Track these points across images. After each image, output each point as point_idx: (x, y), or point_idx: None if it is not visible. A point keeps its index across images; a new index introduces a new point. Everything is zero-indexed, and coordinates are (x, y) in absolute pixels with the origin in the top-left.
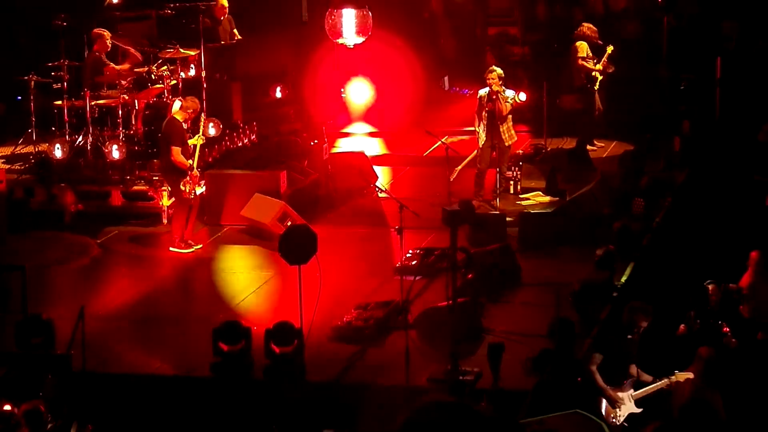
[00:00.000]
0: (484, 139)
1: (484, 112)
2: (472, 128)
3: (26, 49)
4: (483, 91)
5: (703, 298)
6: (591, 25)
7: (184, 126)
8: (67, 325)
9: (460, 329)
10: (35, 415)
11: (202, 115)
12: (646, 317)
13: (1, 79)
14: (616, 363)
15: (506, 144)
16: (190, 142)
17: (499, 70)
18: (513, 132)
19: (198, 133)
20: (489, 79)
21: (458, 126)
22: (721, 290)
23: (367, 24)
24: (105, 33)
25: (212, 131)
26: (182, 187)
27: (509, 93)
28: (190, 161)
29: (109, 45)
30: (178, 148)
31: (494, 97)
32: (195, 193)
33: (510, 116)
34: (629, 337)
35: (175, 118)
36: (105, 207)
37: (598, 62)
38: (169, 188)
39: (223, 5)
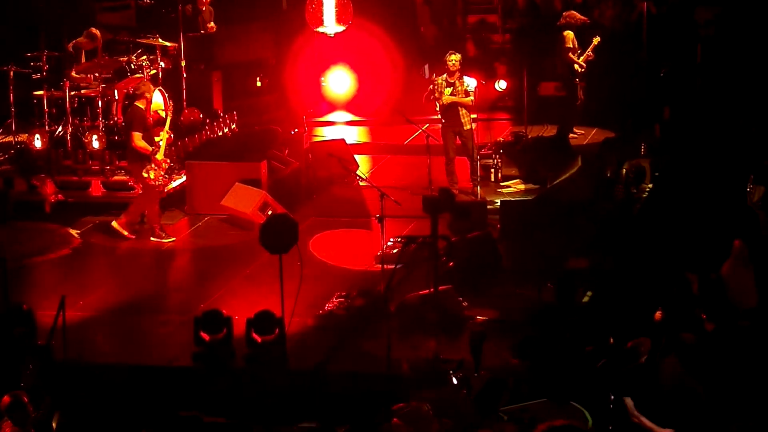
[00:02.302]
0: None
1: (443, 98)
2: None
3: (5, 40)
4: (441, 78)
5: (684, 286)
6: (572, 12)
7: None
8: (48, 316)
9: (441, 317)
10: (18, 406)
11: (169, 110)
12: (647, 351)
13: None
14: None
15: (465, 128)
16: (157, 138)
17: (458, 55)
18: (470, 117)
19: (164, 127)
20: (448, 61)
21: (438, 114)
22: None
23: (348, 12)
24: (92, 31)
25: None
26: (145, 174)
27: (466, 80)
28: (153, 148)
29: (93, 45)
30: (138, 133)
31: (452, 80)
32: (160, 180)
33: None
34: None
35: (137, 105)
36: (85, 197)
37: (582, 52)
38: (135, 177)
39: None
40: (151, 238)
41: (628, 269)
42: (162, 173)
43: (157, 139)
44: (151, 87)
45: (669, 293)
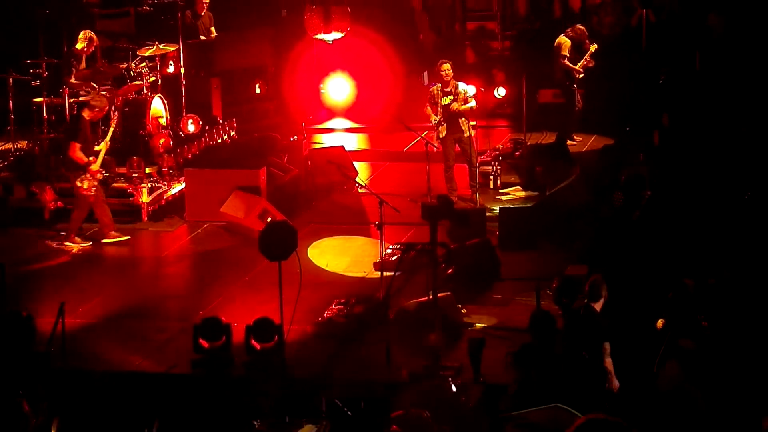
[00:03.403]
0: (445, 132)
1: (439, 108)
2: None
3: (4, 47)
4: (435, 87)
5: (682, 293)
6: (582, 27)
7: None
8: (48, 322)
9: (439, 324)
10: (19, 413)
11: (113, 121)
12: (606, 289)
13: None
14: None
15: (466, 135)
16: (96, 148)
17: (449, 64)
18: (470, 124)
19: (105, 138)
20: (442, 71)
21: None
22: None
23: (346, 19)
24: (86, 34)
25: (191, 128)
26: (78, 183)
27: (462, 86)
28: (92, 158)
29: (91, 47)
30: (77, 144)
31: (447, 89)
32: (93, 191)
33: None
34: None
35: (82, 115)
36: None
37: (579, 59)
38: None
39: (203, 0)
40: (64, 243)
41: (627, 276)
42: (95, 184)
43: (96, 148)
44: (105, 101)
45: (668, 299)
